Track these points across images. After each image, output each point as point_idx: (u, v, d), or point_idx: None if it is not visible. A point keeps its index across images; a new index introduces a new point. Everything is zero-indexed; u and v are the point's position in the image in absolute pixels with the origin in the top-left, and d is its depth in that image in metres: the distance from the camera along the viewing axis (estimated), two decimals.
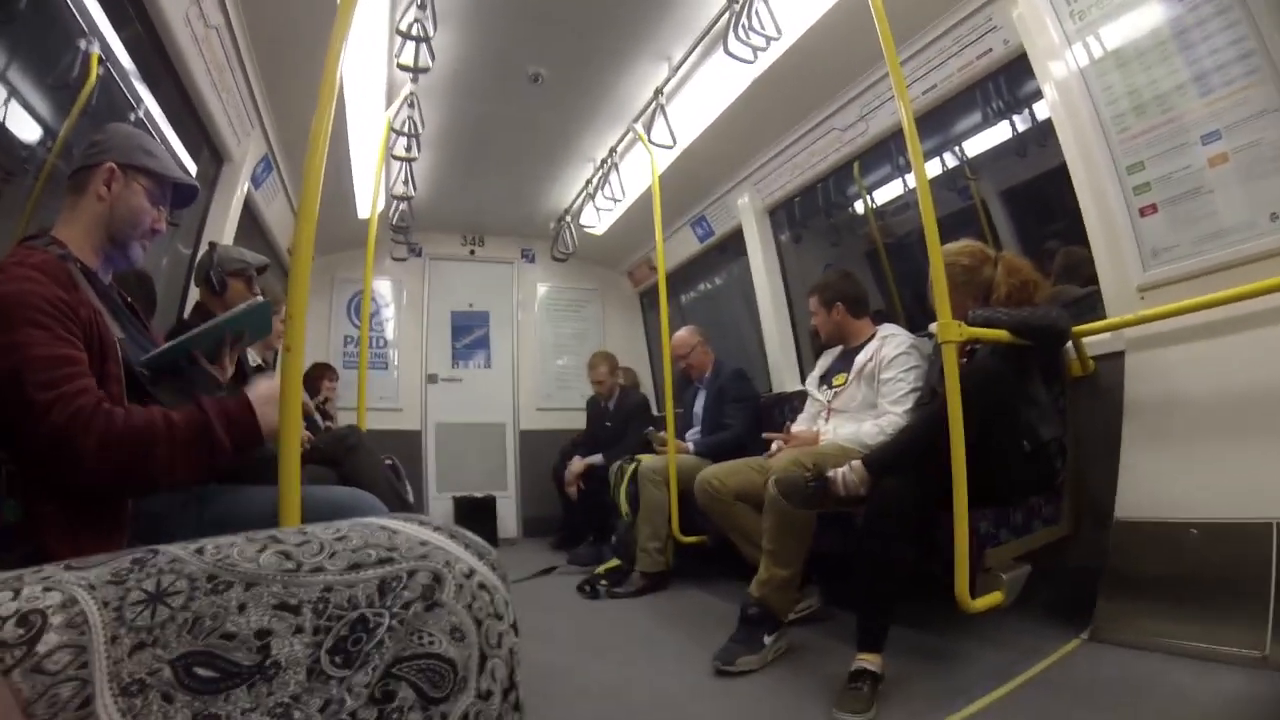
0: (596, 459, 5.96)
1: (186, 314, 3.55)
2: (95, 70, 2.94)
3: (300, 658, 0.81)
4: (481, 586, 0.95)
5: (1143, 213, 2.82)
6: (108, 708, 0.73)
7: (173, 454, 1.52)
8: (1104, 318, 2.99)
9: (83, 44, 2.94)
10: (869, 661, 2.38)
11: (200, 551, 0.87)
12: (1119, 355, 2.92)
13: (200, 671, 0.77)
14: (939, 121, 4.33)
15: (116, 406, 1.52)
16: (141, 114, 3.46)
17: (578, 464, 6.07)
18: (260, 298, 2.37)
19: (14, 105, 2.83)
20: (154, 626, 0.78)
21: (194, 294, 3.50)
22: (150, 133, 3.09)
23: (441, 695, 0.86)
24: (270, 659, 0.80)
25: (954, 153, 4.59)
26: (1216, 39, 2.58)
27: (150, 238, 1.89)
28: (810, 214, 5.65)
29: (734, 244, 6.14)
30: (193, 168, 4.04)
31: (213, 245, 3.28)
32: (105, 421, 1.48)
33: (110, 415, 1.49)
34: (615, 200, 5.81)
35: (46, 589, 0.78)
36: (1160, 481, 2.70)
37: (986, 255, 2.93)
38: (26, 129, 2.92)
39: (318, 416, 4.82)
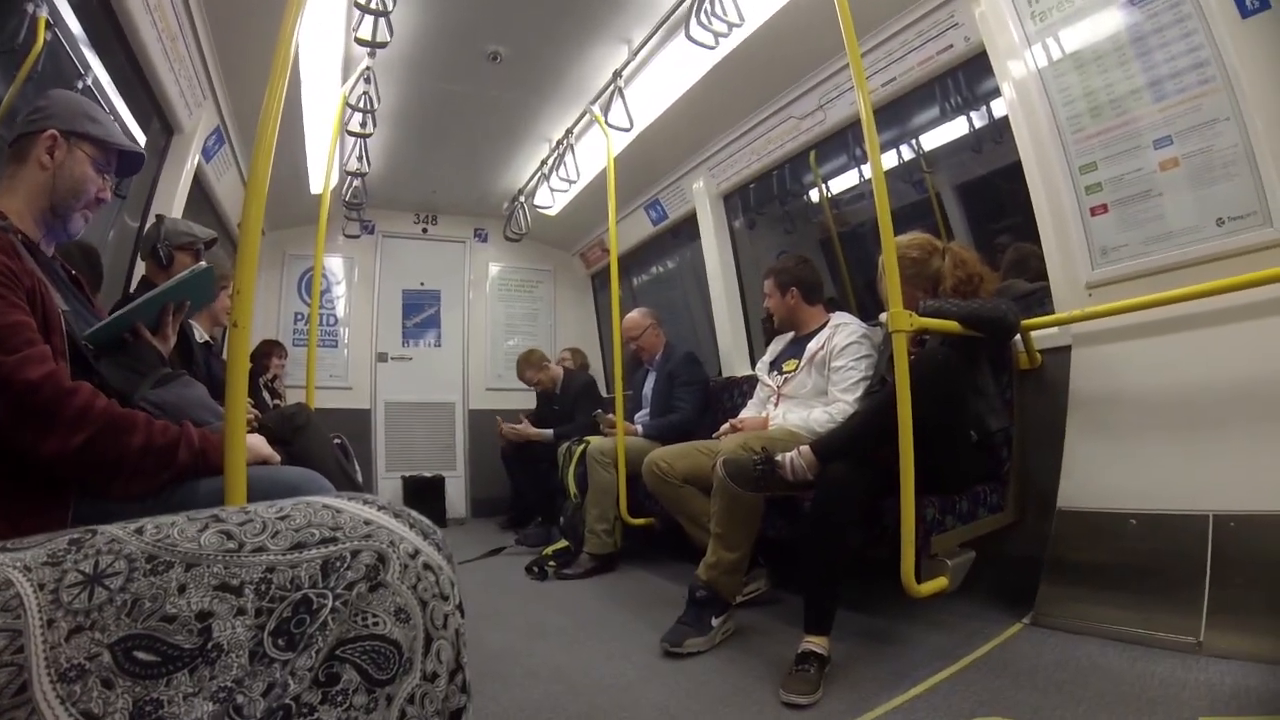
0: (547, 434, 5.94)
1: (133, 288, 3.47)
2: (42, 35, 2.84)
3: (242, 640, 0.80)
4: (426, 567, 0.95)
5: (1094, 212, 2.87)
6: (45, 694, 0.71)
7: (146, 449, 1.49)
8: (1051, 313, 3.04)
9: (30, 7, 2.84)
10: (816, 644, 2.40)
11: (140, 531, 0.85)
12: (1065, 350, 2.97)
13: (140, 655, 0.76)
14: (897, 114, 4.34)
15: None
16: (90, 81, 3.35)
17: (531, 431, 6.05)
18: (203, 264, 2.32)
19: None
20: (92, 609, 0.77)
21: (141, 268, 3.42)
22: (98, 101, 3.02)
23: (386, 677, 0.86)
24: (212, 641, 0.78)
25: (910, 145, 4.61)
26: (1173, 47, 2.62)
27: (95, 208, 1.84)
28: (765, 201, 5.65)
29: (687, 228, 6.14)
30: (141, 138, 3.94)
31: (160, 218, 3.22)
32: (91, 394, 1.45)
33: (96, 391, 1.47)
34: (570, 181, 5.78)
35: None
36: (1102, 473, 2.75)
37: (935, 247, 2.95)
38: None
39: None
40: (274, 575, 0.84)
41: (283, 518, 0.92)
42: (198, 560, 0.83)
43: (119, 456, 1.45)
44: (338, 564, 0.87)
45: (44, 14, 2.86)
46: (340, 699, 0.82)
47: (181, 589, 0.80)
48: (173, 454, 1.53)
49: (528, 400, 6.91)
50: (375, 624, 0.87)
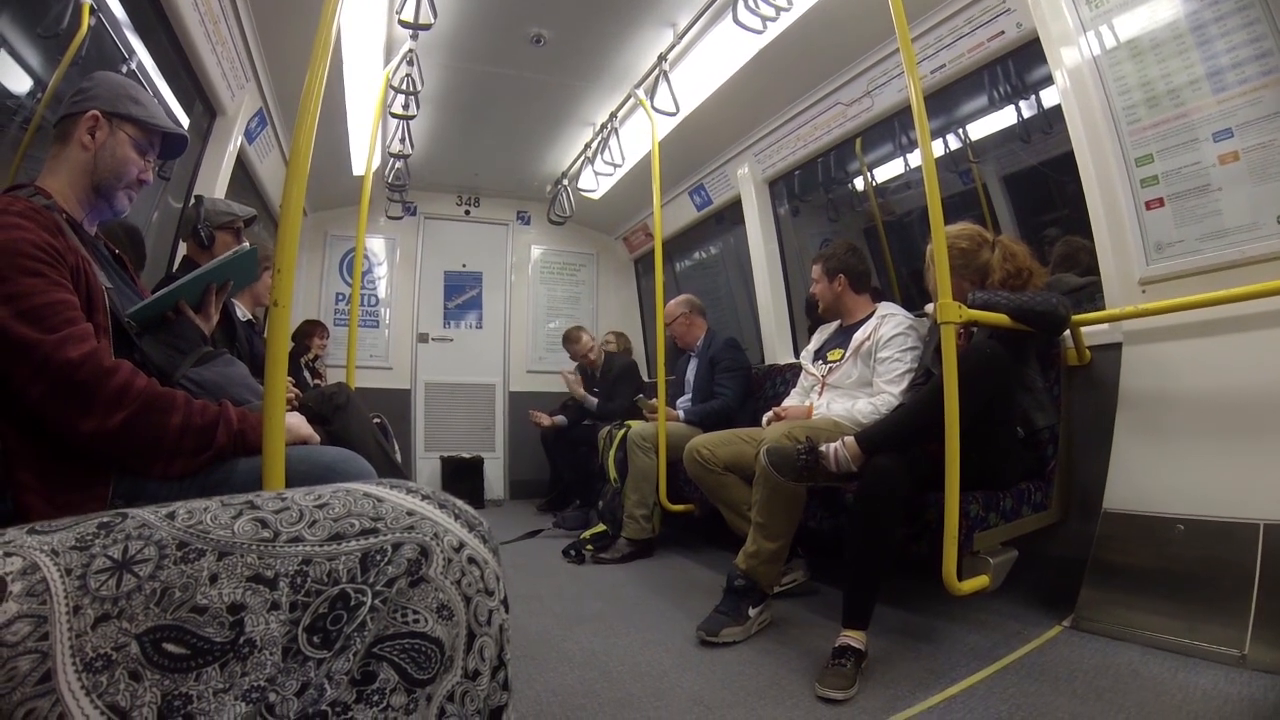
0: (591, 400, 6.04)
1: (175, 268, 3.50)
2: (87, 20, 2.88)
3: (276, 636, 0.78)
4: (471, 561, 0.93)
5: (1149, 206, 2.80)
6: (70, 684, 0.70)
7: (185, 429, 1.50)
8: (1100, 308, 2.98)
9: None
10: (854, 638, 2.38)
11: (171, 516, 0.84)
12: (1116, 347, 2.91)
13: (169, 647, 0.74)
14: (945, 102, 4.28)
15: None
16: (134, 65, 3.39)
17: (579, 387, 6.14)
18: (246, 245, 2.34)
19: (3, 55, 2.77)
20: (119, 597, 0.75)
21: (183, 248, 3.45)
22: (141, 84, 3.05)
23: (427, 677, 0.84)
24: (244, 636, 0.77)
25: (958, 134, 4.55)
26: (1234, 36, 2.54)
27: (136, 188, 1.86)
28: (810, 188, 5.62)
29: (731, 214, 6.12)
30: (185, 121, 3.99)
31: (199, 199, 3.24)
32: (131, 373, 1.47)
33: (136, 370, 1.48)
34: (614, 165, 5.74)
35: (7, 554, 0.75)
36: (1150, 476, 2.70)
37: (984, 239, 2.90)
38: (15, 79, 2.86)
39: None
40: (310, 568, 0.82)
41: (321, 506, 0.90)
42: (230, 549, 0.81)
43: (158, 436, 1.46)
44: (378, 557, 0.85)
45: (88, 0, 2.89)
46: (377, 698, 0.80)
47: (213, 579, 0.78)
48: (211, 434, 1.54)
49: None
50: (416, 621, 0.85)
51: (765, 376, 5.02)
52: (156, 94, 3.59)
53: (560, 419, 6.13)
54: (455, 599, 0.88)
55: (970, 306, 2.50)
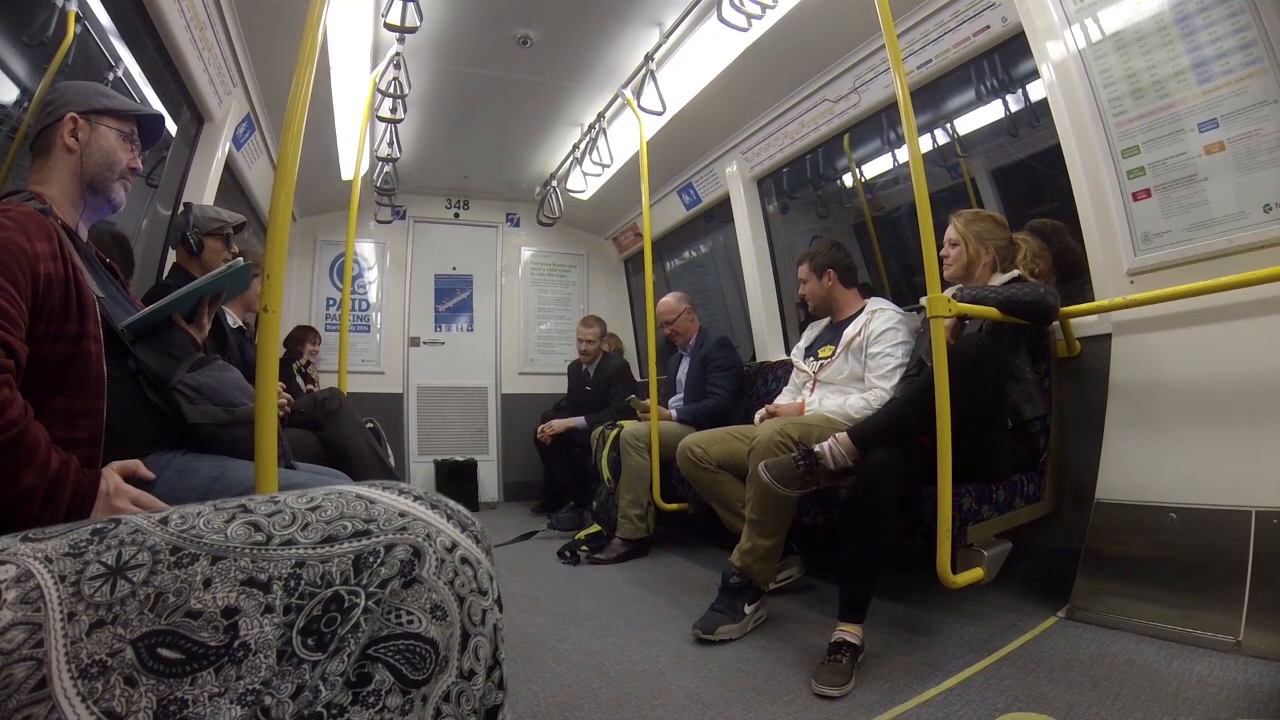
0: (579, 421, 5.98)
1: (165, 275, 3.49)
2: (72, 28, 2.86)
3: (270, 639, 0.78)
4: (464, 561, 0.92)
5: (1136, 197, 2.80)
6: (65, 690, 0.70)
7: (34, 487, 1.29)
8: (1088, 300, 2.99)
9: (59, 0, 2.87)
10: (849, 633, 2.39)
11: (165, 521, 0.83)
12: (1106, 338, 2.92)
13: (164, 652, 0.74)
14: (932, 97, 4.30)
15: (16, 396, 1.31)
16: (120, 73, 3.39)
17: (557, 424, 6.08)
18: (239, 259, 2.34)
19: None
20: (114, 603, 0.75)
21: (173, 255, 3.44)
22: (129, 92, 3.04)
23: (422, 677, 0.84)
24: (239, 640, 0.76)
25: (945, 129, 4.56)
26: (1218, 27, 2.55)
27: (130, 178, 1.87)
28: (798, 185, 5.63)
29: (720, 212, 6.12)
30: (173, 128, 3.99)
31: (188, 206, 3.23)
32: (3, 403, 1.27)
33: (12, 400, 1.29)
34: (603, 166, 5.74)
35: (0, 562, 0.75)
36: (1142, 465, 2.71)
37: (1004, 223, 2.99)
38: (1, 88, 2.87)
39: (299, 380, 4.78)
40: (303, 570, 0.82)
41: (313, 508, 0.90)
42: (224, 553, 0.81)
43: (7, 488, 1.27)
44: (371, 559, 0.85)
45: (73, 7, 2.88)
46: (373, 700, 0.80)
47: (207, 583, 0.78)
48: (55, 495, 1.33)
49: (560, 384, 6.96)
50: (410, 622, 0.85)
51: (757, 374, 5.03)
52: (143, 100, 3.58)
53: (577, 421, 6.08)
54: (449, 599, 0.88)
55: (959, 301, 2.51)
